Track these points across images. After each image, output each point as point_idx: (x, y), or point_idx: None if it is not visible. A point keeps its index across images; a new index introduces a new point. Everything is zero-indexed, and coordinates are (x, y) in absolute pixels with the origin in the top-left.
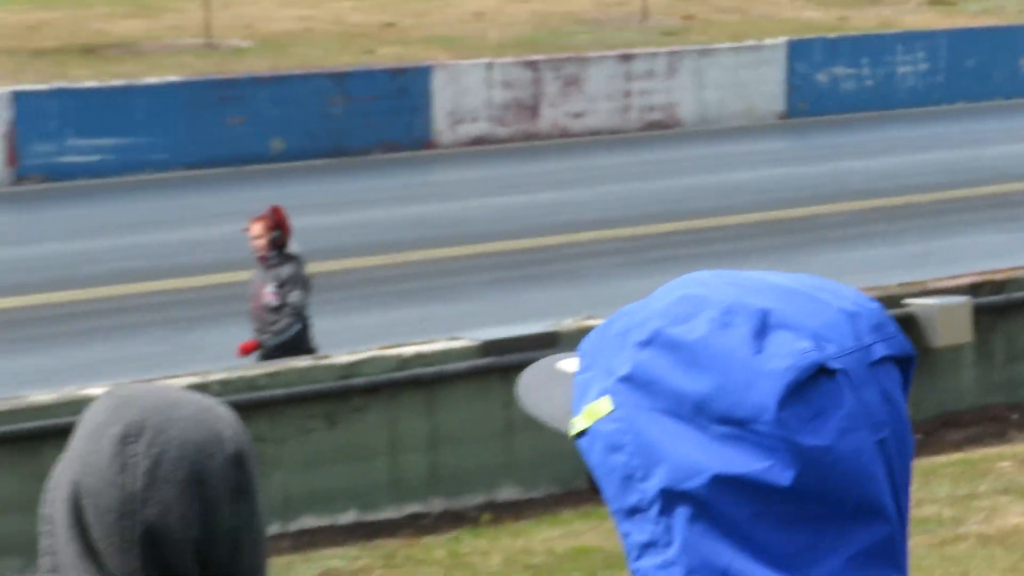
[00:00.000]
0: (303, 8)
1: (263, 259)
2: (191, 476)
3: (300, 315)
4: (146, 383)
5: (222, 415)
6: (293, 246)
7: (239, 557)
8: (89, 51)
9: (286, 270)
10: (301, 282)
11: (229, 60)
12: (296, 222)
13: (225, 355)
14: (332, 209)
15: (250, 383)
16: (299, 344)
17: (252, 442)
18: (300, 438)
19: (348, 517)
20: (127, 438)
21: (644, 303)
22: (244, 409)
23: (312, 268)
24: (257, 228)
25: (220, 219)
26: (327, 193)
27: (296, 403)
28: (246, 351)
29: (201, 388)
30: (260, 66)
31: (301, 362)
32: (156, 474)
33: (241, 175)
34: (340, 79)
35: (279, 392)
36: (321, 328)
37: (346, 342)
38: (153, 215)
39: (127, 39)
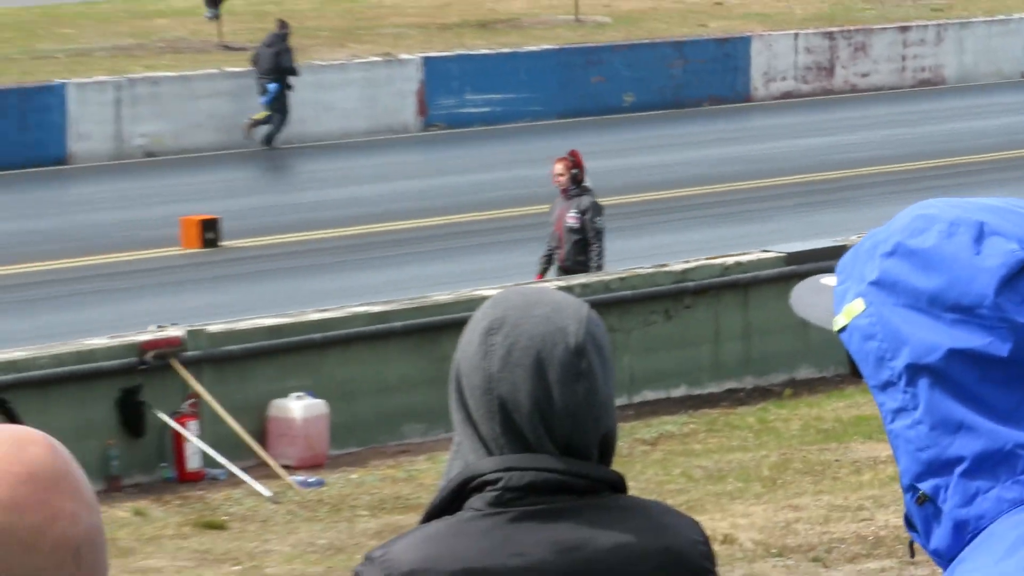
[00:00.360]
0: None
1: (564, 191)
2: (536, 362)
3: (602, 239)
4: (522, 286)
5: (572, 314)
6: (587, 181)
7: (578, 427)
8: (482, 26)
9: (585, 200)
10: (599, 210)
11: (592, 32)
12: (642, 160)
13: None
14: (671, 149)
15: (605, 285)
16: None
17: (605, 334)
18: (643, 329)
19: (679, 391)
20: (490, 331)
21: (887, 225)
22: (599, 306)
23: (655, 196)
24: (560, 167)
25: (584, 157)
26: (667, 136)
27: (640, 301)
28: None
29: (566, 290)
30: (617, 37)
31: (645, 269)
32: (508, 359)
33: (600, 123)
34: (679, 46)
35: (627, 292)
36: (659, 241)
37: (680, 253)
38: (531, 154)
39: (512, 16)
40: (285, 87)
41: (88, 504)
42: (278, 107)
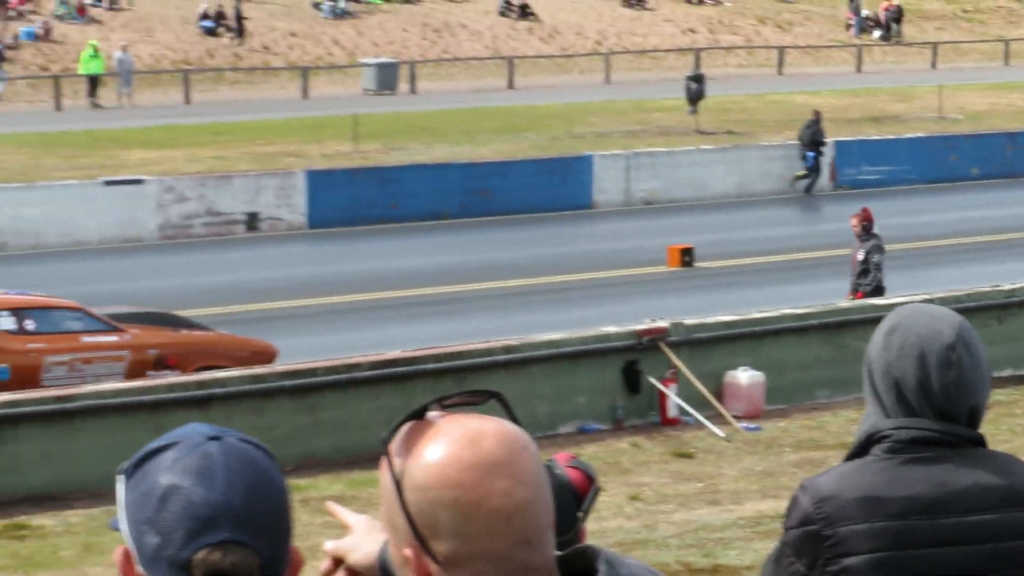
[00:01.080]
0: (992, 97)
1: (859, 236)
2: (920, 354)
3: (880, 270)
4: (914, 302)
5: (947, 321)
6: (875, 229)
7: (949, 400)
8: (875, 120)
9: (870, 243)
10: (880, 251)
11: (950, 126)
12: (984, 213)
13: (948, 284)
14: (1005, 206)
15: (956, 299)
16: (880, 288)
17: (974, 336)
18: (982, 329)
19: (1006, 372)
20: (890, 332)
21: None
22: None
23: (994, 238)
24: (855, 220)
25: (955, 208)
26: (1002, 197)
27: (981, 310)
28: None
29: (933, 302)
30: (967, 128)
31: (984, 288)
32: (902, 352)
33: (954, 188)
34: (1012, 136)
35: (972, 303)
36: (993, 269)
37: (1008, 277)
38: (906, 208)
39: (896, 114)
40: (819, 154)
41: (524, 482)
42: (815, 168)
